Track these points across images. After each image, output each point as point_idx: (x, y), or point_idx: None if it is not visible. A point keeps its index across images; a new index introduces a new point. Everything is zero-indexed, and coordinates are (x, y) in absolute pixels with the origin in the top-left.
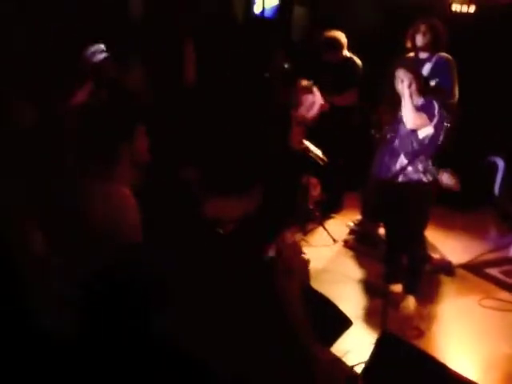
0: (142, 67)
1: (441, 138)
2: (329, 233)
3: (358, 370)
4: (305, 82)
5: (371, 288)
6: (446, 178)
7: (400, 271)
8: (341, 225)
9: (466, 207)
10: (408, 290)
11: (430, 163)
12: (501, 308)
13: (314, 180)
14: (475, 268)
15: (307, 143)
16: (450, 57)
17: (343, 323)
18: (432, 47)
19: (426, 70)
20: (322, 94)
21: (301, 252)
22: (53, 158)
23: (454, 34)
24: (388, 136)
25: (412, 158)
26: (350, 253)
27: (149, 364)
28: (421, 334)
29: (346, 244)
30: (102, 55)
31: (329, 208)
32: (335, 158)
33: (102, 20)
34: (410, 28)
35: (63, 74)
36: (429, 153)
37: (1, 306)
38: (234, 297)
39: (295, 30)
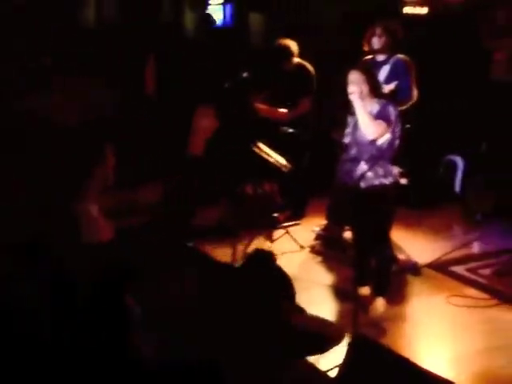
0: (105, 80)
1: (397, 140)
2: (295, 239)
3: (332, 374)
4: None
5: (340, 292)
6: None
7: (368, 274)
8: (306, 231)
9: (428, 206)
10: (377, 292)
11: (389, 166)
12: (468, 305)
13: (275, 187)
14: (441, 266)
15: (269, 150)
16: (407, 58)
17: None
18: (389, 49)
19: (384, 72)
20: (277, 106)
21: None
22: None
23: (408, 35)
24: (346, 143)
25: (371, 164)
26: (318, 258)
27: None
28: (392, 334)
29: (313, 250)
30: None
31: (294, 214)
32: (298, 164)
33: (53, 32)
34: (367, 31)
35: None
36: (388, 156)
37: None
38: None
39: (253, 37)
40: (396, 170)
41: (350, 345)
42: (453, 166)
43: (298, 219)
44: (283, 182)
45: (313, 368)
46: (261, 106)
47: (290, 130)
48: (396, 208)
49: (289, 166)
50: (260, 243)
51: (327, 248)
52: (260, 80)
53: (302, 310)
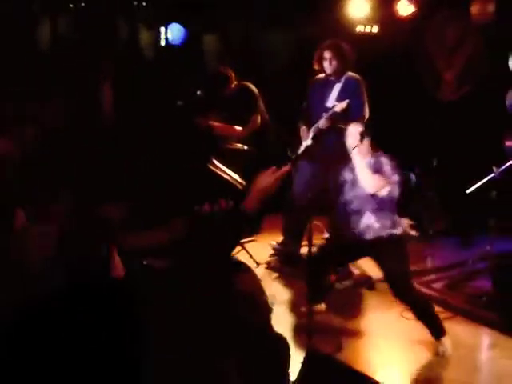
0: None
1: (396, 190)
2: (251, 256)
3: None
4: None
5: (296, 308)
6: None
7: (323, 290)
8: (262, 247)
9: None
10: (436, 336)
11: (396, 216)
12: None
13: (230, 204)
14: None
15: (224, 168)
16: (358, 77)
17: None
18: (340, 71)
19: (336, 90)
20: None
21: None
22: None
23: (359, 53)
24: (343, 198)
25: (378, 216)
26: (274, 274)
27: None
28: (346, 349)
29: (269, 266)
30: None
31: (249, 231)
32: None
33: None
34: (316, 52)
35: None
36: (391, 207)
37: None
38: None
39: (208, 56)
40: (405, 221)
41: (304, 360)
42: (405, 182)
43: (254, 235)
44: (238, 199)
45: None
46: (215, 124)
47: (245, 147)
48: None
49: (243, 183)
50: None
51: (283, 264)
52: (211, 100)
53: None
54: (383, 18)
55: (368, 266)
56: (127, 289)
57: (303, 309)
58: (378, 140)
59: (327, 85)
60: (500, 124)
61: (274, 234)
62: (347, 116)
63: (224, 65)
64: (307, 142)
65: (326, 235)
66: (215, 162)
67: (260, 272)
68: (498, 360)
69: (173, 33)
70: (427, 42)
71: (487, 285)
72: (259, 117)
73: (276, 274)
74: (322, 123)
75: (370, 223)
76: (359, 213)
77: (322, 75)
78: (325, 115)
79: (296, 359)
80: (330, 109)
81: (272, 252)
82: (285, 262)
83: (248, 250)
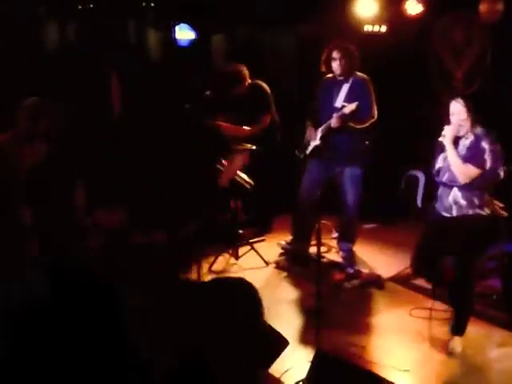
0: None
1: (499, 171)
2: (260, 255)
3: None
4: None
5: (305, 307)
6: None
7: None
8: (271, 247)
9: (390, 221)
10: (456, 332)
11: (487, 197)
12: (431, 317)
13: (239, 204)
14: (403, 280)
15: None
16: (366, 76)
17: (280, 344)
18: (348, 71)
19: (344, 90)
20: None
21: None
22: None
23: (368, 53)
24: (437, 167)
25: (467, 194)
26: (283, 274)
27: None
28: (356, 348)
29: (278, 265)
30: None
31: (259, 231)
32: (262, 181)
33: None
34: (323, 53)
35: None
36: (484, 187)
37: None
38: None
39: (215, 56)
40: (496, 202)
41: (312, 360)
42: (415, 181)
43: (264, 235)
44: (247, 198)
45: (279, 382)
46: (223, 124)
47: (253, 148)
48: (491, 243)
49: (252, 183)
50: (225, 260)
51: (292, 263)
52: (220, 100)
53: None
54: (391, 18)
55: (377, 265)
56: (110, 282)
57: (311, 308)
58: (388, 138)
59: (335, 85)
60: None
61: (283, 233)
62: (356, 116)
63: (252, 61)
64: (316, 141)
65: (335, 235)
66: (223, 162)
67: (269, 271)
68: (508, 359)
69: (181, 33)
70: (435, 42)
71: (497, 284)
72: (269, 117)
73: (285, 274)
74: (332, 123)
75: (456, 199)
76: (448, 186)
77: (330, 75)
78: (335, 115)
79: (305, 359)
80: (338, 109)
81: (281, 251)
82: (294, 262)
83: (257, 249)
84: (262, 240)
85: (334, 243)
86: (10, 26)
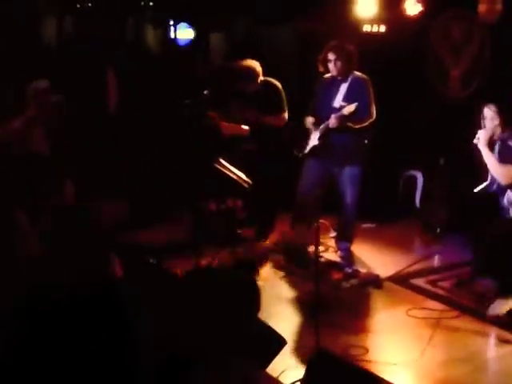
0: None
1: None
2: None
3: None
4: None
5: (303, 306)
6: None
7: None
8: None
9: (389, 221)
10: None
11: None
12: (428, 317)
13: (238, 203)
14: (402, 279)
15: (230, 167)
16: (365, 76)
17: (277, 343)
18: (345, 71)
19: (343, 90)
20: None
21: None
22: None
23: (366, 53)
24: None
25: None
26: (281, 273)
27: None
28: (353, 348)
29: (276, 264)
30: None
31: (260, 232)
32: (262, 180)
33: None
34: (320, 54)
35: None
36: None
37: None
38: None
39: (213, 54)
40: None
41: (311, 359)
42: (413, 181)
43: (265, 236)
44: (246, 198)
45: (276, 382)
46: (223, 123)
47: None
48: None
49: (250, 181)
50: (224, 259)
51: (290, 263)
52: (221, 98)
53: None
54: (391, 18)
55: (375, 265)
56: (124, 289)
57: (310, 307)
58: (387, 138)
59: (334, 85)
60: (508, 123)
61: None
62: (354, 116)
63: (252, 58)
64: (314, 141)
65: (333, 234)
66: (221, 160)
67: (267, 270)
68: (506, 358)
69: (180, 32)
70: (433, 41)
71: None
72: (284, 117)
73: (283, 273)
74: (330, 123)
75: (510, 200)
76: (501, 189)
77: (328, 75)
78: (333, 116)
79: (302, 358)
80: (336, 109)
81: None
82: (292, 261)
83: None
84: (264, 239)
85: (332, 243)
86: (8, 23)
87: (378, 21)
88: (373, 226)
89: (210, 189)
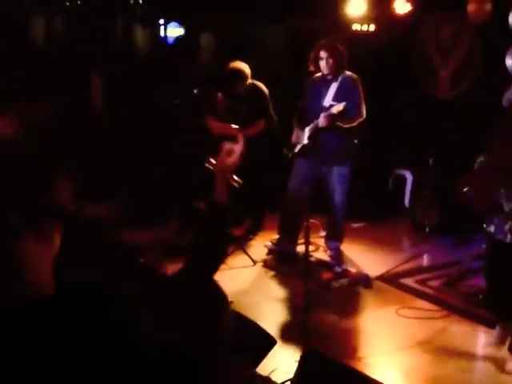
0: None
1: None
2: (248, 254)
3: None
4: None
5: (292, 306)
6: None
7: None
8: (260, 246)
9: (378, 220)
10: None
11: None
12: (417, 316)
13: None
14: (391, 279)
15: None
16: (355, 76)
17: (267, 342)
18: (336, 70)
19: (333, 89)
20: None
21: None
22: None
23: (356, 52)
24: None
25: None
26: (270, 273)
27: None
28: (343, 347)
29: (266, 264)
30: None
31: (249, 230)
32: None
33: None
34: (311, 53)
35: None
36: None
37: None
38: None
39: (204, 54)
40: None
41: (301, 358)
42: (402, 181)
43: (254, 234)
44: (235, 197)
45: (267, 381)
46: (213, 122)
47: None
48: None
49: (240, 181)
50: None
51: (279, 262)
52: (211, 98)
53: None
54: (380, 17)
55: (364, 264)
56: (112, 289)
57: (298, 306)
58: (376, 137)
59: (324, 84)
60: (496, 123)
61: (271, 232)
62: (344, 115)
63: (240, 60)
64: (303, 141)
65: (323, 233)
66: (212, 160)
67: (257, 270)
68: (494, 358)
69: (169, 30)
70: (423, 41)
71: (483, 283)
72: (264, 122)
73: (272, 273)
74: (320, 122)
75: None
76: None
77: (319, 74)
78: (322, 115)
79: (292, 357)
80: (326, 108)
81: (268, 250)
82: (281, 261)
83: (245, 248)
84: (251, 239)
85: (321, 242)
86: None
87: (367, 20)
88: (362, 225)
89: (200, 188)
